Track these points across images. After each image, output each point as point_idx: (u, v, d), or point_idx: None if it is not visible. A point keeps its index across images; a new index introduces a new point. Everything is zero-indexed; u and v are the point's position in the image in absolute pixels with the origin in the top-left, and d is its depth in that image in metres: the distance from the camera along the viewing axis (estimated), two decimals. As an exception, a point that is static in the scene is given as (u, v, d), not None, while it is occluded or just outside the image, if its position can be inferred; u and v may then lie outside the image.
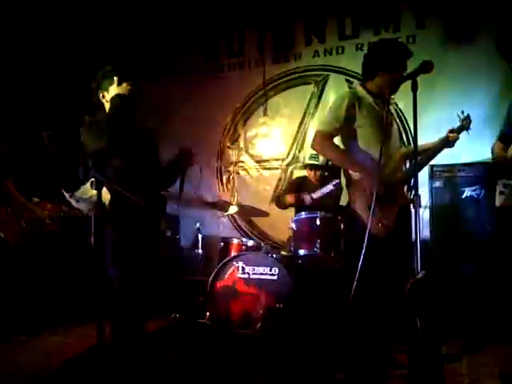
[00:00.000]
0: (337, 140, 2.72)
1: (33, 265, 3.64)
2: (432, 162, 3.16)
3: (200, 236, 3.51)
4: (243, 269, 3.27)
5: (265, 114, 4.68)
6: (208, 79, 4.85)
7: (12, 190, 3.43)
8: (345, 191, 2.73)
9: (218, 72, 4.87)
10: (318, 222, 3.16)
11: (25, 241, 3.39)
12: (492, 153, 3.08)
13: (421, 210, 2.04)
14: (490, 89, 3.83)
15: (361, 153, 2.62)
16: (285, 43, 4.66)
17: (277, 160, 4.71)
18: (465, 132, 2.83)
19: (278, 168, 4.70)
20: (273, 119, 4.70)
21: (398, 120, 3.16)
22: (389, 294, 2.47)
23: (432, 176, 3.53)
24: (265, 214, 3.92)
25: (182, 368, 2.56)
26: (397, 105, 3.09)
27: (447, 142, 2.78)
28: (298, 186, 3.91)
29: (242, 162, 4.82)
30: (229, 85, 4.82)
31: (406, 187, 2.86)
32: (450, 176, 3.50)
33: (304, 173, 4.03)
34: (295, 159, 4.62)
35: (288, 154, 4.66)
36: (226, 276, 3.29)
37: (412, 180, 2.28)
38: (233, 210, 3.62)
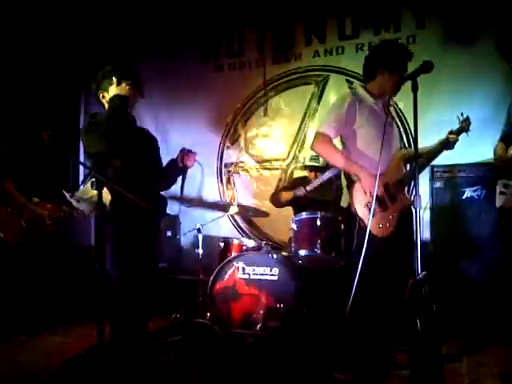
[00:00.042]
0: (336, 141, 2.72)
1: (33, 265, 3.64)
2: (432, 163, 3.16)
3: (200, 236, 3.50)
4: (244, 269, 3.26)
5: (265, 114, 4.68)
6: (208, 79, 4.85)
7: (12, 190, 3.43)
8: (345, 192, 2.73)
9: (218, 72, 4.87)
10: (318, 223, 3.15)
11: (25, 241, 3.39)
12: (494, 153, 3.09)
13: (421, 211, 2.04)
14: (490, 89, 3.82)
15: (360, 154, 2.63)
16: (285, 43, 4.65)
17: (277, 160, 4.70)
18: (464, 133, 2.85)
19: (278, 168, 4.69)
20: (273, 119, 4.69)
21: (398, 121, 3.17)
22: (389, 294, 2.48)
23: (432, 177, 3.53)
24: (265, 215, 3.92)
25: (182, 368, 2.56)
26: (397, 105, 3.09)
27: (447, 144, 2.79)
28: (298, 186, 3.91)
29: (242, 162, 4.82)
30: (229, 85, 4.81)
31: (406, 189, 2.86)
32: (451, 177, 3.50)
33: (304, 173, 4.04)
34: (295, 159, 4.61)
35: (288, 155, 4.65)
36: (227, 276, 3.28)
37: (412, 181, 2.28)
38: (233, 210, 3.61)
